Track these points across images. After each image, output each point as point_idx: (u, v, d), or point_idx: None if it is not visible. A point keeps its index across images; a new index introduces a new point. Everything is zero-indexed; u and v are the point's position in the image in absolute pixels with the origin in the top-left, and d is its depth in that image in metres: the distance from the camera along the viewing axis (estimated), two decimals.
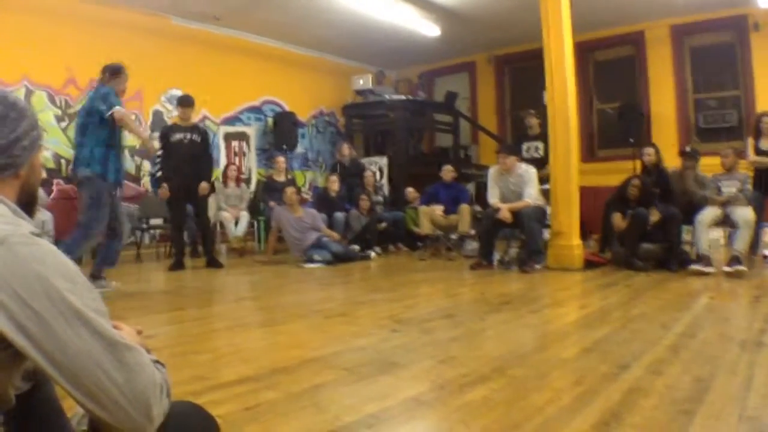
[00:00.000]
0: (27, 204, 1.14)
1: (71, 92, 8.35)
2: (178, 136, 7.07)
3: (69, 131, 8.28)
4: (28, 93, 7.90)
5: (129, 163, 8.94)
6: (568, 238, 6.48)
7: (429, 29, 9.91)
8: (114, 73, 5.21)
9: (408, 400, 2.20)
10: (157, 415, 0.95)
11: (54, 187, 8.15)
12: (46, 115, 8.10)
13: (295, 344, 3.20)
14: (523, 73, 11.44)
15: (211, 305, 4.85)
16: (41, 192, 7.57)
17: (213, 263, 7.17)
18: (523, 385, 2.34)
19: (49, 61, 8.07)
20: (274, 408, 2.15)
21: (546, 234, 6.81)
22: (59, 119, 8.25)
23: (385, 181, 10.65)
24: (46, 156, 8.09)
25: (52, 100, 8.19)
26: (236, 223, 8.74)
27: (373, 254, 8.22)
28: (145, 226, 8.50)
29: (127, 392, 0.92)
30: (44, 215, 7.48)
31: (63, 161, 8.27)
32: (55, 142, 8.21)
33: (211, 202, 8.54)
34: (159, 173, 6.88)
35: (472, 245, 7.82)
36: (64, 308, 0.91)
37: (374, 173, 10.00)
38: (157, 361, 1.06)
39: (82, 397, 0.92)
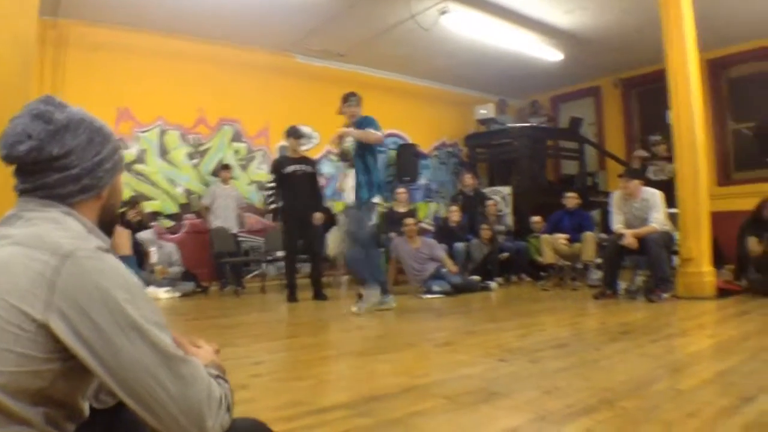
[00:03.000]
0: (107, 224, 1.19)
1: (201, 131, 8.85)
2: (290, 168, 7.07)
3: (200, 168, 8.77)
4: (162, 132, 8.45)
5: (256, 196, 9.31)
6: (698, 264, 6.04)
7: (551, 55, 9.71)
8: None
9: (505, 430, 2.07)
10: (212, 427, 0.95)
11: (185, 221, 8.62)
12: (179, 153, 8.61)
13: (397, 372, 3.12)
14: (652, 96, 10.63)
15: (323, 334, 4.88)
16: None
17: (319, 296, 7.01)
18: (631, 417, 2.14)
19: (181, 101, 8.61)
20: None
21: (675, 261, 6.38)
22: (191, 156, 8.74)
23: (509, 210, 10.45)
24: (178, 192, 8.60)
25: (185, 139, 8.70)
26: None
27: (494, 285, 7.98)
28: (269, 258, 8.74)
29: (181, 403, 0.93)
30: (169, 247, 7.90)
31: (194, 197, 8.73)
32: (186, 179, 8.69)
33: (334, 234, 8.70)
34: (273, 205, 6.93)
35: (597, 274, 7.46)
36: (121, 319, 0.93)
37: (496, 202, 9.83)
38: (219, 377, 1.06)
39: (137, 406, 0.93)
